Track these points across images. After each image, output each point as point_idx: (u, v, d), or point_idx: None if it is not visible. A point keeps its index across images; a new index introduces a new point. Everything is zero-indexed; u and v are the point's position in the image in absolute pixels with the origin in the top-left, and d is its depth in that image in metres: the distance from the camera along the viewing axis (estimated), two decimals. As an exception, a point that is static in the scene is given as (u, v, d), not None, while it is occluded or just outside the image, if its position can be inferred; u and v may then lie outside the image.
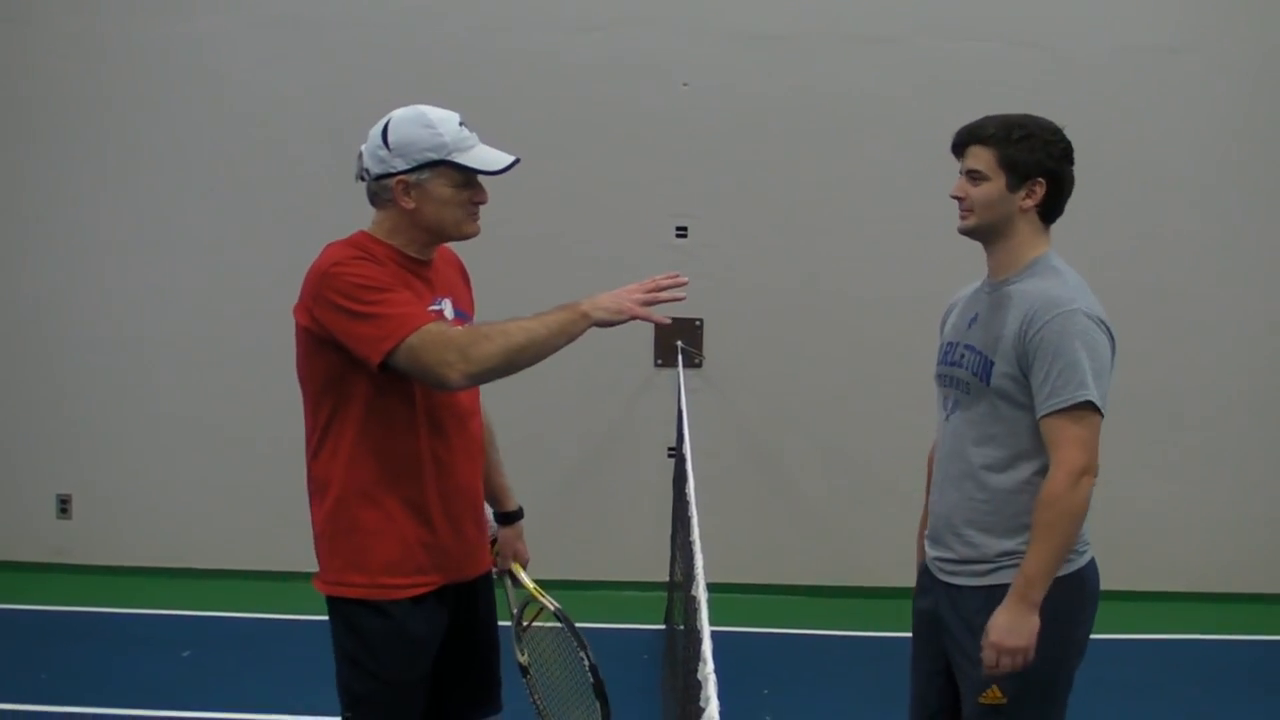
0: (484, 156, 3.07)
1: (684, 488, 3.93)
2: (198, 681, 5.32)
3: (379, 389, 2.94)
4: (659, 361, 6.59)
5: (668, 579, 5.57)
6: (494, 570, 3.44)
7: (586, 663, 3.25)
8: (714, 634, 2.18)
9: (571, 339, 2.94)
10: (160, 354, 6.55)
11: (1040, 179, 3.09)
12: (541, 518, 6.58)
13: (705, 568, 2.66)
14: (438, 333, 2.87)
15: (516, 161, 3.06)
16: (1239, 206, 6.56)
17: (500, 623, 3.34)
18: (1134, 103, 6.47)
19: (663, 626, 5.66)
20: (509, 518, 3.55)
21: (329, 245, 3.01)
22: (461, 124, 3.07)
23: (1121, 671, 5.48)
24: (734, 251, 6.58)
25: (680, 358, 6.36)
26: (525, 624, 3.49)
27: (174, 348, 6.59)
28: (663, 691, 4.77)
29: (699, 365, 6.58)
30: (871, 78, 6.49)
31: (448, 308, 3.13)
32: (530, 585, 3.45)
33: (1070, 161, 3.15)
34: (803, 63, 6.50)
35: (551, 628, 3.43)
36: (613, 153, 6.57)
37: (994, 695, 3.05)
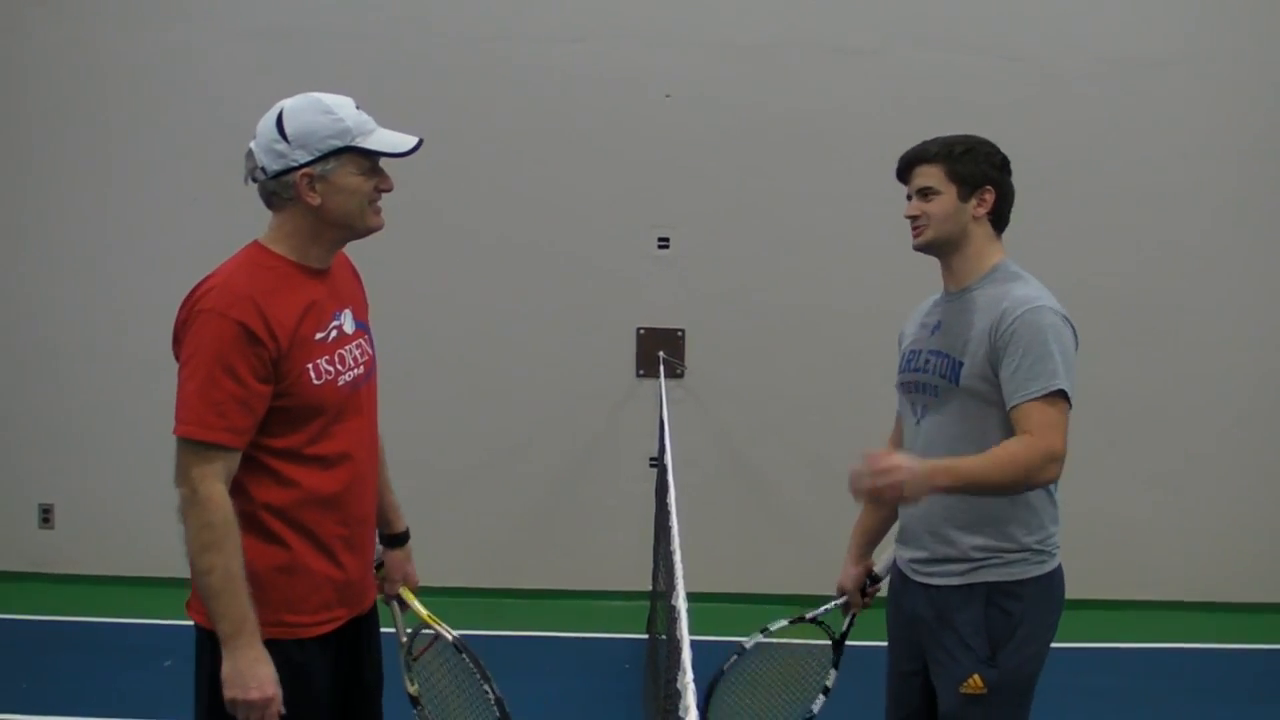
0: (388, 139, 2.83)
1: (666, 497, 3.94)
2: (179, 691, 5.25)
3: (276, 424, 2.77)
4: (641, 372, 6.61)
5: (650, 588, 5.59)
6: (381, 595, 3.25)
7: (492, 696, 3.04)
8: (694, 643, 2.20)
9: (214, 616, 2.71)
10: (143, 364, 6.50)
11: (989, 186, 3.20)
12: (524, 527, 6.72)
13: (686, 577, 2.67)
14: (201, 462, 2.68)
15: (420, 142, 2.83)
16: (1227, 218, 6.61)
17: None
18: (1120, 115, 6.51)
19: (645, 636, 5.68)
20: (398, 539, 3.32)
21: (220, 272, 2.81)
22: (358, 107, 2.83)
23: (1110, 680, 5.52)
24: (716, 262, 6.61)
25: (662, 368, 6.38)
26: (415, 654, 3.24)
27: (157, 357, 6.50)
28: (645, 700, 4.78)
29: (681, 375, 6.60)
30: (854, 90, 6.53)
31: (347, 320, 2.94)
32: (424, 613, 3.22)
33: (1009, 172, 3.27)
34: (785, 74, 6.54)
35: (448, 658, 3.18)
36: (595, 163, 6.60)
37: (975, 685, 3.10)
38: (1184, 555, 6.65)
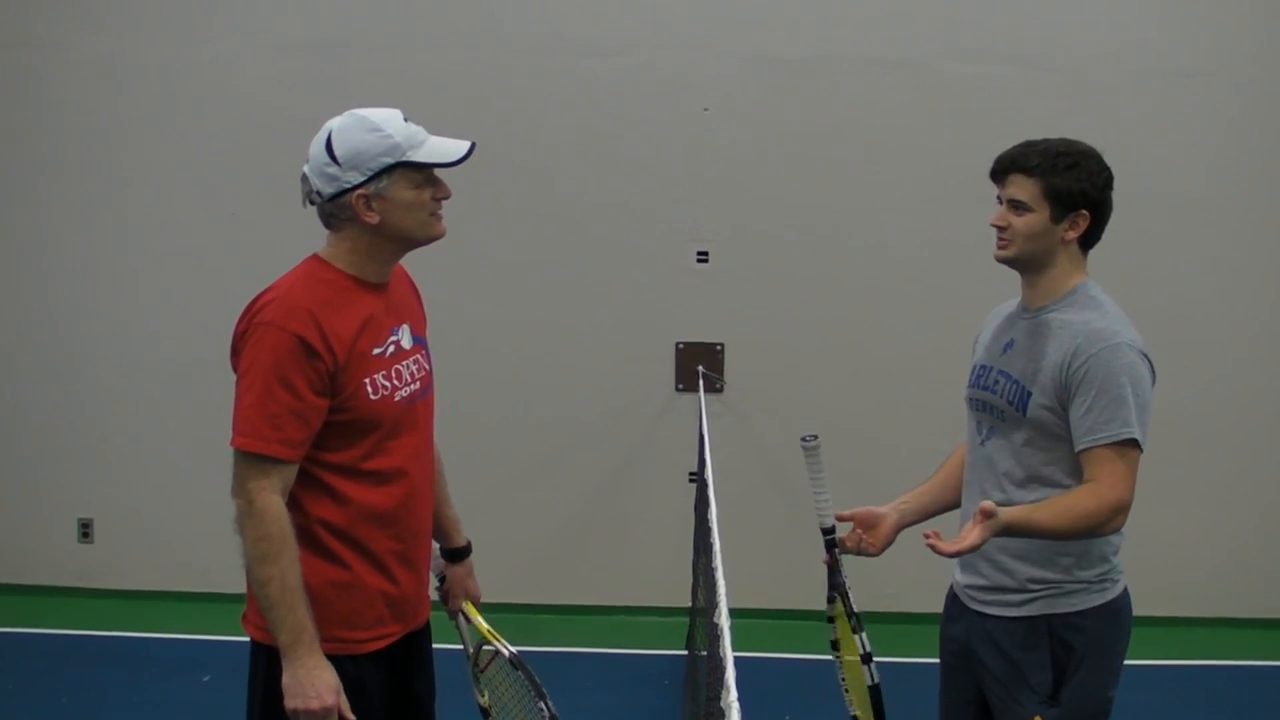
0: (439, 148, 2.83)
1: (706, 513, 3.91)
2: (218, 706, 5.25)
3: (332, 438, 2.78)
4: (680, 385, 6.57)
5: (689, 604, 5.55)
6: (446, 611, 3.29)
7: (546, 714, 3.05)
8: (736, 660, 2.16)
9: (273, 626, 2.74)
10: (182, 378, 6.54)
11: (1084, 210, 3.03)
12: (562, 542, 6.69)
13: (727, 593, 2.63)
14: (257, 474, 2.69)
15: (473, 147, 2.84)
16: (1260, 230, 6.50)
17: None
18: (1153, 126, 6.41)
19: (684, 652, 5.64)
20: (459, 554, 3.33)
21: (279, 285, 2.84)
22: (406, 119, 2.85)
23: (1144, 698, 5.42)
24: (755, 276, 6.56)
25: (701, 382, 6.35)
26: (482, 666, 3.29)
27: (196, 371, 6.54)
28: (684, 717, 4.74)
29: (720, 390, 6.56)
30: (892, 102, 6.47)
31: (405, 335, 2.95)
32: (484, 628, 3.25)
33: (1111, 189, 3.08)
34: (823, 87, 6.48)
35: (508, 673, 3.21)
36: (633, 177, 6.56)
37: None
38: (1218, 571, 6.54)
